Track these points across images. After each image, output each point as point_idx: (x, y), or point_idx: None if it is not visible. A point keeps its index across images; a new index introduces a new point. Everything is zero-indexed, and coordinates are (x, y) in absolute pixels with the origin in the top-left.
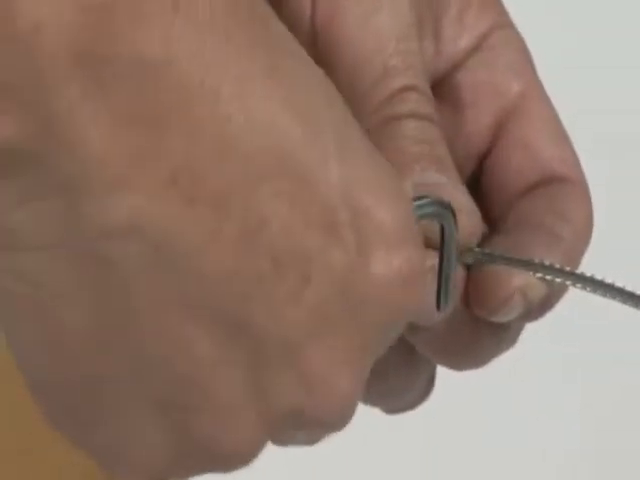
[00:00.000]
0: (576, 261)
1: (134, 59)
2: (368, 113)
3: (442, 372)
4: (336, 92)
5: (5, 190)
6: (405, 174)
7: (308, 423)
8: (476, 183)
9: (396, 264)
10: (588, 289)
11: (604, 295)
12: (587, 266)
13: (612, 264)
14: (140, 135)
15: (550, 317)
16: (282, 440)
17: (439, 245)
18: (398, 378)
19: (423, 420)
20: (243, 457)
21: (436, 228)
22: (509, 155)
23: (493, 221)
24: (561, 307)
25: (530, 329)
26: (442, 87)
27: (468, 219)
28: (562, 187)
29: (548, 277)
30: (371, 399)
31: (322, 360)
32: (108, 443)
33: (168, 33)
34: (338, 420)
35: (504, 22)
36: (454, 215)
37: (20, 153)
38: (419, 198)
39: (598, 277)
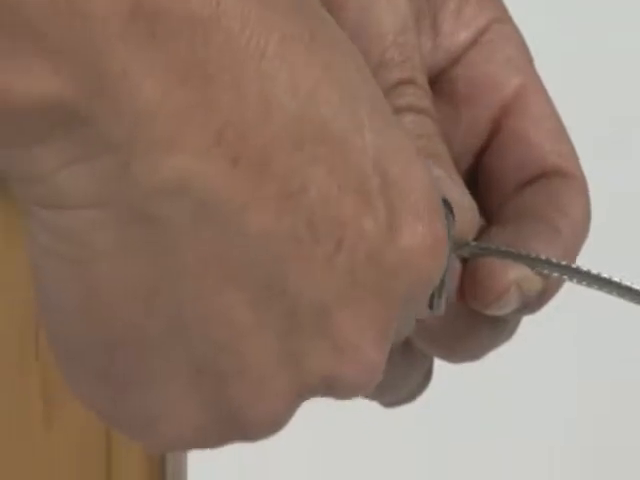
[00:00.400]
0: (573, 255)
1: (184, 16)
2: None
3: (439, 365)
4: (367, 68)
5: (56, 149)
6: None
7: (337, 388)
8: (474, 177)
9: (421, 232)
10: (585, 283)
11: (601, 289)
12: (584, 260)
13: (609, 259)
14: (189, 91)
15: (546, 309)
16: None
17: None
18: (395, 371)
19: (420, 414)
20: (273, 425)
21: None
22: (507, 149)
23: (491, 215)
24: (557, 299)
25: (527, 321)
26: (440, 81)
27: (464, 213)
28: (560, 181)
29: (545, 271)
30: (368, 394)
31: (351, 326)
32: (138, 410)
33: None
34: (364, 385)
35: (502, 17)
36: (452, 213)
37: (72, 112)
38: None
39: (595, 271)
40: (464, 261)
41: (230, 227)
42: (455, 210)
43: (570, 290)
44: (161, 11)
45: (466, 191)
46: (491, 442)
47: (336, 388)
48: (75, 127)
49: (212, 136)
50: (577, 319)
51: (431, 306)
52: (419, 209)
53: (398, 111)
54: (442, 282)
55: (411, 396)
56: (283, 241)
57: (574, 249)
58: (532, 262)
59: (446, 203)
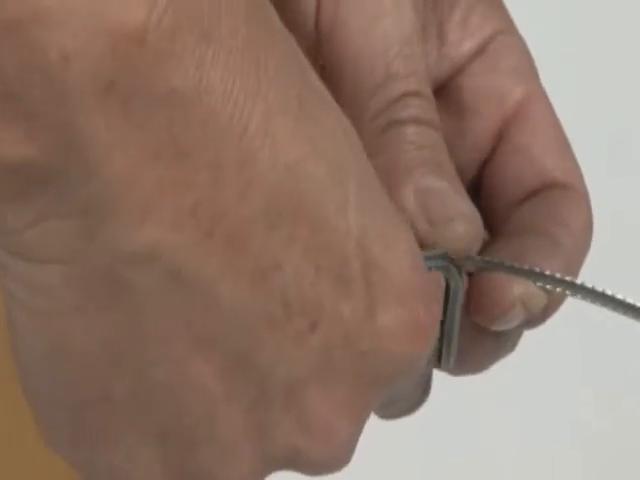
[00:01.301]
0: (576, 268)
1: (163, 94)
2: (370, 118)
3: (438, 376)
4: (359, 141)
5: (25, 207)
6: (405, 180)
7: (304, 464)
8: (478, 189)
9: (402, 317)
10: (589, 299)
11: (605, 306)
12: (588, 276)
13: (613, 275)
14: (162, 167)
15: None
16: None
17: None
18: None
19: (419, 423)
20: None
21: None
22: (509, 161)
23: (494, 227)
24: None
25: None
26: (444, 91)
27: (467, 226)
28: (562, 194)
29: (548, 286)
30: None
31: (323, 405)
32: (106, 467)
33: (199, 68)
34: (332, 465)
35: (507, 28)
36: (460, 272)
37: (44, 174)
38: (430, 249)
39: (599, 288)
40: (468, 276)
41: (201, 298)
42: (456, 224)
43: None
44: (138, 90)
45: (469, 202)
46: (492, 449)
47: (302, 464)
48: (46, 187)
49: (186, 211)
50: (579, 324)
51: (439, 360)
52: (400, 293)
53: (402, 123)
54: (450, 338)
55: (410, 410)
56: (255, 316)
57: (576, 262)
58: (536, 277)
59: (456, 265)
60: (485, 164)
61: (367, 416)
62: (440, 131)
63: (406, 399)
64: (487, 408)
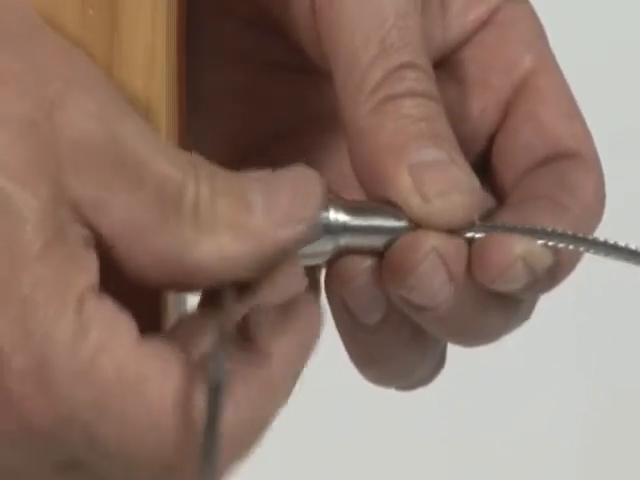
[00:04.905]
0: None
1: None
2: (367, 93)
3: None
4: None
5: None
6: (401, 156)
7: None
8: (487, 159)
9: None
10: (602, 253)
11: (617, 258)
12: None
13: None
14: None
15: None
16: None
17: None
18: (407, 357)
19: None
20: None
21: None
22: (519, 130)
23: (504, 197)
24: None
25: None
26: (452, 62)
27: (463, 197)
28: (571, 162)
29: (551, 243)
30: (383, 379)
31: None
32: None
33: None
34: None
35: None
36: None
37: None
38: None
39: (604, 239)
40: (470, 242)
41: None
42: (455, 195)
43: (574, 296)
44: None
45: (468, 172)
46: (494, 444)
47: None
48: None
49: None
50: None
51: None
52: None
53: (398, 97)
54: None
55: (426, 379)
56: None
57: (585, 230)
58: (539, 235)
59: (217, 389)
60: (494, 134)
61: None
62: (439, 101)
63: (422, 370)
64: (480, 399)
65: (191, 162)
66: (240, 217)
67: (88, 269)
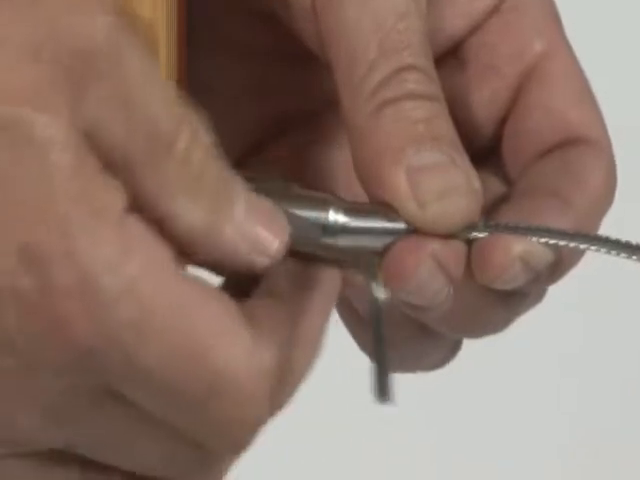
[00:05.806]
0: (591, 224)
1: None
2: (366, 96)
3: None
4: None
5: None
6: (398, 158)
7: None
8: (497, 146)
9: None
10: (594, 248)
11: (617, 254)
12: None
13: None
14: None
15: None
16: None
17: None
18: (417, 347)
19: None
20: None
21: None
22: (527, 116)
23: (512, 184)
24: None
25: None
26: (461, 49)
27: (461, 200)
28: (580, 149)
29: (552, 241)
30: (393, 366)
31: None
32: None
33: None
34: None
35: None
36: (380, 313)
37: None
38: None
39: (610, 237)
40: (470, 242)
41: None
42: (455, 197)
43: (576, 294)
44: None
45: (470, 173)
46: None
47: None
48: None
49: None
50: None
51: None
52: None
53: (397, 100)
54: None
55: (439, 364)
56: None
57: (591, 220)
58: (540, 234)
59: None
60: (504, 121)
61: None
62: (441, 102)
63: (433, 356)
64: (480, 399)
65: (188, 114)
66: (221, 202)
67: (120, 189)
